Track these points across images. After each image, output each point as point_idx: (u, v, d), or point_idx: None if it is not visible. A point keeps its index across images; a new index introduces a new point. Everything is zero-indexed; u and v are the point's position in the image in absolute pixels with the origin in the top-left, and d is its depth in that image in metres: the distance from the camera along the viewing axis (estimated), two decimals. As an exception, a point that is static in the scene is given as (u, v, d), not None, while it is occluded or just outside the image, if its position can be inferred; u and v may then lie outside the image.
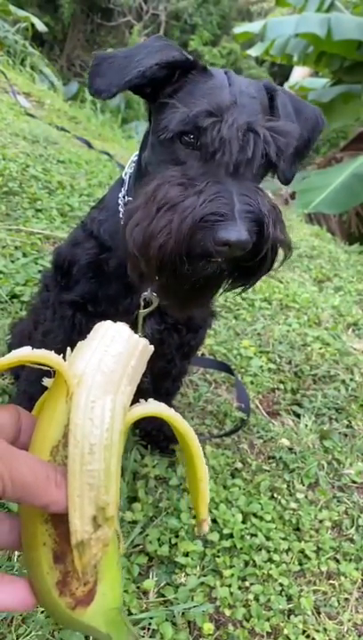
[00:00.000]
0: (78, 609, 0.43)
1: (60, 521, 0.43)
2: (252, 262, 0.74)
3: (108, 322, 0.50)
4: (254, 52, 6.91)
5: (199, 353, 1.68)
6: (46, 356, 0.44)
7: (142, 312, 0.95)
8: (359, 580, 1.12)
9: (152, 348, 0.51)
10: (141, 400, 0.49)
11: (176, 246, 0.70)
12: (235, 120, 0.74)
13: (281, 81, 12.30)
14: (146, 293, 0.94)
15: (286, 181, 0.91)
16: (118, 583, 0.46)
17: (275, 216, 0.74)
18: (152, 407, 0.47)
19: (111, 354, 0.47)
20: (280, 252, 0.78)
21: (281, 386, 1.66)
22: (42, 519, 0.44)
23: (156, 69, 0.79)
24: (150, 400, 0.49)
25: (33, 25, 6.13)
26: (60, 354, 0.47)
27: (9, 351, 1.33)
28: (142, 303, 0.95)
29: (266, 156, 0.76)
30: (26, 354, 0.44)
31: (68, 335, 1.01)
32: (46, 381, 0.48)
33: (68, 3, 13.53)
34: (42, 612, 0.88)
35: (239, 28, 6.92)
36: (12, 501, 0.45)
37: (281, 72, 13.53)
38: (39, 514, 0.44)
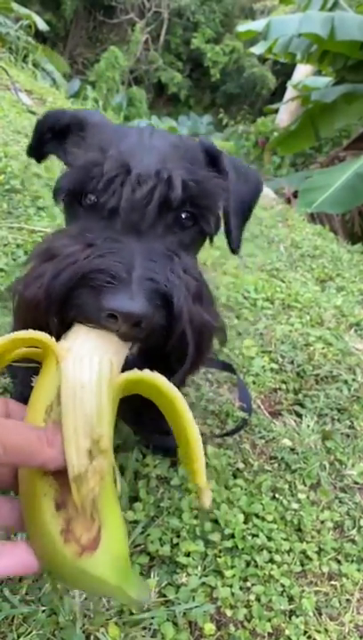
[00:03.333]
0: (85, 555, 0.43)
1: (58, 472, 0.45)
2: (168, 350, 0.58)
3: (80, 324, 0.55)
4: (257, 50, 6.88)
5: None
6: (34, 334, 0.47)
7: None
8: (361, 581, 1.12)
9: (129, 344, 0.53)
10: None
11: (46, 303, 0.55)
12: (137, 166, 0.63)
13: (284, 80, 12.28)
14: None
15: (234, 250, 0.82)
16: (121, 529, 0.47)
17: (195, 291, 0.59)
18: (138, 372, 0.49)
19: (95, 333, 0.51)
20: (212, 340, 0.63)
21: (283, 386, 1.65)
22: (41, 473, 0.45)
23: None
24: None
25: (35, 23, 6.12)
26: None
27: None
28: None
29: (188, 212, 0.66)
30: (16, 334, 0.47)
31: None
32: (35, 379, 0.51)
33: (70, 0, 13.51)
34: (43, 612, 0.88)
35: (242, 27, 6.89)
36: (9, 466, 0.46)
37: (284, 70, 13.50)
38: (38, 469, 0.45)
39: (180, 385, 0.50)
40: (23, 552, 0.44)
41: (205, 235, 0.75)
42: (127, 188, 0.62)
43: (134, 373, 0.49)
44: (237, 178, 0.80)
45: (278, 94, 13.88)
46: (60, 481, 0.45)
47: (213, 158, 0.79)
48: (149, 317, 0.52)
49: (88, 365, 0.47)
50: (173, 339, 0.57)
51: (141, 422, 1.28)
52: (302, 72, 9.56)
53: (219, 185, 0.72)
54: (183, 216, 0.68)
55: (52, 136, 0.85)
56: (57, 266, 0.55)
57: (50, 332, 0.54)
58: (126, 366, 0.51)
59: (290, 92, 9.70)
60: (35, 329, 0.54)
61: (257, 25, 6.40)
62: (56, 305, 0.55)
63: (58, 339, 0.51)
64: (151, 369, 0.51)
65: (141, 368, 0.50)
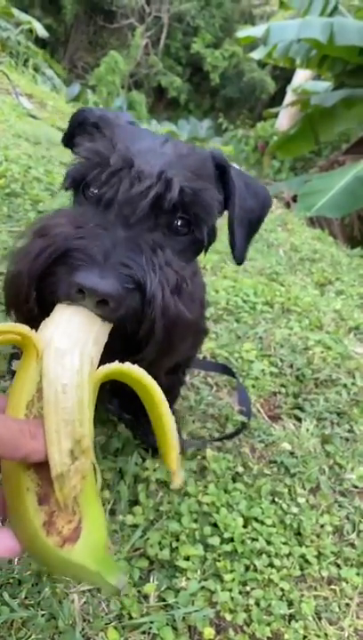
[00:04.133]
0: (66, 546, 0.45)
1: (40, 466, 0.46)
2: (140, 336, 0.61)
3: (65, 303, 0.55)
4: (257, 55, 6.92)
5: (201, 356, 1.68)
6: (15, 326, 0.48)
7: None
8: (360, 586, 1.11)
9: (110, 325, 0.54)
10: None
11: (27, 278, 0.58)
12: (141, 165, 0.66)
13: (284, 84, 12.33)
14: None
15: (239, 261, 0.83)
16: (101, 520, 0.49)
17: (174, 283, 0.62)
18: (116, 364, 0.50)
19: (74, 322, 0.52)
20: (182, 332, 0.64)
21: (282, 389, 1.65)
22: (24, 466, 0.47)
23: None
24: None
25: (35, 29, 6.14)
26: None
27: (12, 354, 1.34)
28: None
29: (183, 218, 0.68)
30: None
31: None
32: (15, 364, 0.52)
33: (70, 4, 13.58)
34: (42, 616, 0.88)
35: (242, 32, 6.93)
36: None
37: (283, 75, 13.57)
38: (20, 463, 0.47)
39: (156, 374, 0.52)
40: (7, 538, 0.46)
41: (198, 244, 0.76)
42: (126, 182, 0.65)
43: (114, 367, 0.50)
44: (245, 191, 0.82)
45: (277, 98, 13.94)
46: (42, 475, 0.46)
47: (221, 170, 0.81)
48: (116, 297, 0.54)
49: (69, 363, 0.47)
50: (144, 324, 0.59)
51: (139, 424, 1.28)
52: (302, 76, 9.60)
53: (216, 197, 0.74)
54: (178, 223, 0.71)
55: (81, 130, 0.88)
56: (43, 243, 0.59)
57: (30, 309, 0.59)
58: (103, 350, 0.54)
59: (290, 97, 9.74)
60: (17, 304, 0.60)
61: (257, 30, 6.44)
62: (35, 280, 0.58)
63: (36, 318, 0.54)
64: (125, 354, 0.56)
65: (115, 352, 0.53)
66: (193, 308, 0.67)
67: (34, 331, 0.50)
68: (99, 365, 0.51)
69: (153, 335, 0.60)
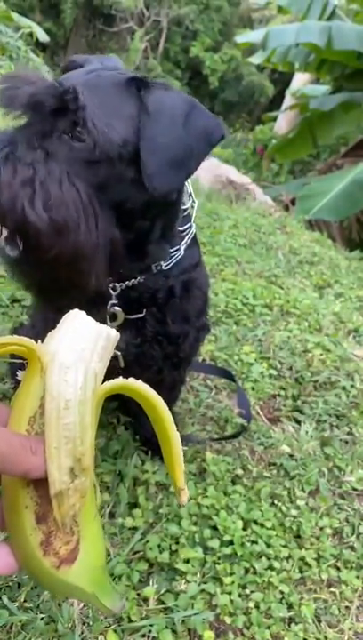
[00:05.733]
0: (63, 568, 0.45)
1: (40, 485, 0.46)
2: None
3: (76, 310, 0.54)
4: (256, 59, 6.96)
5: (200, 359, 1.68)
6: (20, 339, 0.48)
7: (110, 325, 0.93)
8: (360, 588, 1.11)
9: (118, 334, 0.54)
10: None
11: None
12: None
13: (283, 87, 12.37)
14: (110, 309, 0.92)
15: (154, 187, 0.75)
16: (100, 541, 0.48)
17: (29, 180, 0.67)
18: (121, 380, 0.50)
19: (81, 335, 0.51)
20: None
21: (282, 392, 1.65)
22: (23, 483, 0.46)
23: None
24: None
25: (36, 33, 6.15)
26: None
27: (11, 357, 1.34)
28: (108, 318, 0.93)
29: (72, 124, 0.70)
30: (0, 340, 0.48)
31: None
32: (20, 374, 0.52)
33: (70, 8, 13.62)
34: (41, 619, 0.87)
35: (241, 38, 6.97)
36: None
37: (282, 78, 13.60)
38: (20, 480, 0.46)
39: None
40: (4, 554, 0.46)
41: (100, 158, 0.73)
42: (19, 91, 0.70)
43: (118, 382, 0.50)
44: (166, 118, 0.76)
45: (276, 102, 13.98)
46: (41, 493, 0.46)
47: (140, 90, 0.76)
48: None
49: (73, 380, 0.47)
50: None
51: (139, 426, 1.28)
52: (301, 80, 9.64)
53: (108, 106, 0.74)
54: (78, 129, 0.71)
55: None
56: None
57: None
58: None
59: (288, 100, 9.78)
60: None
61: (255, 35, 6.47)
62: None
63: None
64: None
65: None
66: (58, 212, 0.69)
67: (39, 343, 0.50)
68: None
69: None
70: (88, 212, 0.72)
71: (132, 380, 0.50)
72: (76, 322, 0.53)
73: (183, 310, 0.99)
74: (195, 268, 1.01)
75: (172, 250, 0.91)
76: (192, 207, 0.96)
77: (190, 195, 0.96)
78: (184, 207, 0.93)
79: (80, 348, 0.50)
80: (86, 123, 0.70)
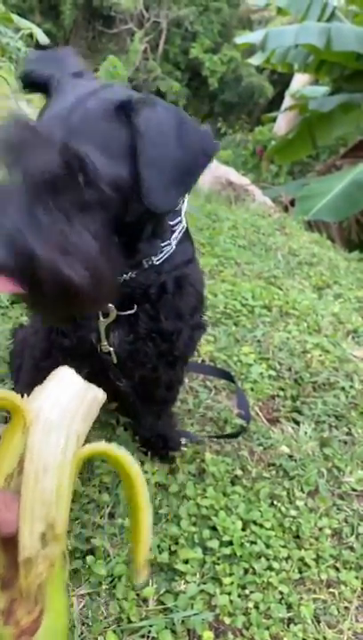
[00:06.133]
0: (23, 639, 0.43)
1: (9, 548, 0.44)
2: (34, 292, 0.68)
3: (65, 368, 0.54)
4: (255, 61, 6.96)
5: (199, 359, 1.68)
6: (5, 394, 0.47)
7: (103, 322, 0.94)
8: (359, 589, 1.12)
9: (104, 395, 0.54)
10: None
11: None
12: (32, 134, 0.69)
13: (282, 88, 12.38)
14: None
15: (156, 207, 0.77)
16: (64, 614, 0.46)
17: (62, 245, 0.67)
18: (103, 445, 0.50)
19: (67, 394, 0.50)
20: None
21: (281, 393, 1.66)
22: None
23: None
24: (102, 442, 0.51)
25: (36, 35, 6.14)
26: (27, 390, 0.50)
27: (11, 358, 1.34)
28: (101, 314, 0.93)
29: (70, 176, 0.69)
30: None
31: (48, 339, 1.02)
32: (2, 428, 0.50)
33: (69, 10, 13.63)
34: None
35: (240, 39, 6.98)
36: None
37: (281, 79, 13.61)
38: None
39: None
40: None
41: (108, 200, 0.74)
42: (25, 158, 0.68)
43: (99, 447, 0.50)
44: (159, 138, 0.76)
45: (275, 103, 13.99)
46: (9, 558, 0.45)
47: (129, 114, 0.75)
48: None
49: (55, 442, 0.46)
50: (28, 279, 0.66)
51: (139, 426, 1.28)
52: (300, 81, 9.64)
53: (104, 162, 0.73)
54: (81, 179, 0.71)
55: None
56: None
57: None
58: None
59: (288, 101, 9.78)
60: None
61: (255, 36, 6.47)
62: None
63: None
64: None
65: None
66: (90, 272, 0.70)
67: (25, 398, 0.49)
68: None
69: (38, 290, 0.67)
70: (111, 254, 0.76)
71: (112, 446, 0.50)
72: (63, 380, 0.52)
73: (176, 307, 0.99)
74: (188, 264, 1.01)
75: (162, 244, 0.91)
76: (182, 201, 0.95)
77: None
78: None
79: (65, 408, 0.49)
80: (93, 174, 0.70)
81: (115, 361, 0.98)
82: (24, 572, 0.43)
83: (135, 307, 0.95)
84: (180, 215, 0.96)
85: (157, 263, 0.91)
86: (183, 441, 1.32)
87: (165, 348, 1.02)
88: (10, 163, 0.69)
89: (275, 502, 1.23)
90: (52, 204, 0.68)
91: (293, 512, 1.22)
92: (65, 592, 0.47)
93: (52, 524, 0.44)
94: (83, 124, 0.73)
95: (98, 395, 0.53)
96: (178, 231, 0.95)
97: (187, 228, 0.99)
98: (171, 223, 0.93)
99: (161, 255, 0.92)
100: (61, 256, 0.67)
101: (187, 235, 1.00)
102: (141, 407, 1.22)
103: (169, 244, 0.93)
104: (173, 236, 0.94)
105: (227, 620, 0.98)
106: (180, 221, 0.96)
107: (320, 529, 1.21)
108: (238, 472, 1.29)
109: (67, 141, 0.69)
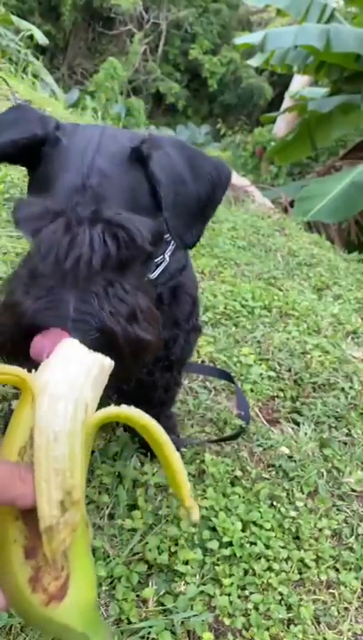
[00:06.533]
0: (52, 605, 0.43)
1: (30, 518, 0.44)
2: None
3: (70, 340, 0.55)
4: (255, 62, 6.98)
5: (199, 360, 1.68)
6: (12, 369, 0.48)
7: None
8: (359, 590, 1.11)
9: (112, 363, 0.54)
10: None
11: (11, 347, 0.68)
12: (64, 221, 0.67)
13: (282, 90, 12.40)
14: None
15: (187, 245, 0.81)
16: (91, 577, 0.47)
17: (128, 313, 0.69)
18: (113, 408, 0.49)
19: (73, 365, 0.50)
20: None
21: (281, 394, 1.66)
22: (12, 517, 0.45)
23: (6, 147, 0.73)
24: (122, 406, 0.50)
25: (35, 36, 6.16)
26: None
27: (15, 393, 1.34)
28: None
29: (118, 249, 0.69)
30: None
31: None
32: (15, 404, 0.50)
33: (69, 11, 13.65)
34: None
35: (240, 39, 6.98)
36: None
37: (281, 81, 13.63)
38: (9, 512, 0.45)
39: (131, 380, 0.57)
40: None
41: (147, 256, 0.76)
42: (57, 247, 0.66)
43: (110, 411, 0.49)
44: (188, 174, 0.79)
45: (275, 104, 14.01)
46: (31, 528, 0.45)
47: (142, 161, 0.77)
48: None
49: (62, 410, 0.46)
50: (113, 352, 0.64)
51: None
52: (300, 82, 9.66)
53: (143, 218, 0.73)
54: (117, 255, 0.70)
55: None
56: (10, 320, 0.67)
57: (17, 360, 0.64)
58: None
59: (287, 102, 9.80)
60: (4, 355, 0.66)
61: (254, 37, 6.48)
62: (9, 350, 0.68)
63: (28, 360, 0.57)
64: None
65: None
66: (149, 328, 0.73)
67: (33, 372, 0.49)
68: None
69: (122, 359, 0.67)
70: (151, 295, 0.80)
71: (124, 408, 0.49)
72: (69, 351, 0.53)
73: (172, 316, 1.00)
74: (182, 271, 1.01)
75: (156, 260, 0.92)
76: None
77: None
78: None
79: (72, 378, 0.49)
80: (137, 238, 0.70)
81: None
82: (47, 539, 0.43)
83: None
84: None
85: (153, 277, 0.92)
86: (185, 445, 1.32)
87: (162, 354, 1.02)
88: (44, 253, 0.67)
89: (275, 503, 1.23)
90: (100, 278, 0.68)
91: (292, 513, 1.22)
92: (90, 555, 0.47)
93: (69, 490, 0.44)
94: (106, 190, 0.71)
95: (105, 362, 0.53)
96: (171, 244, 0.94)
97: None
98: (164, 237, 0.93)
99: (156, 270, 0.92)
100: (129, 322, 0.69)
101: None
102: (141, 407, 1.22)
103: (163, 259, 0.93)
104: (167, 249, 0.94)
105: (227, 621, 0.97)
106: None
107: (320, 530, 1.21)
108: (238, 473, 1.29)
109: (103, 214, 0.68)
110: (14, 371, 0.48)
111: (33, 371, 0.50)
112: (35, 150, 0.77)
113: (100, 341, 0.66)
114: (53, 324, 0.64)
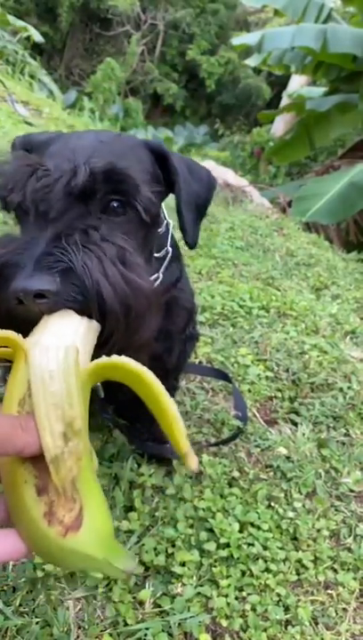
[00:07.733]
0: (70, 535, 0.44)
1: (37, 458, 0.46)
2: (102, 321, 0.58)
3: (61, 311, 0.56)
4: (252, 62, 6.97)
5: (197, 361, 1.68)
6: (2, 333, 0.50)
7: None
8: (357, 590, 1.11)
9: (99, 325, 0.55)
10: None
11: None
12: (48, 163, 0.65)
13: (280, 90, 12.42)
14: None
15: (191, 245, 0.85)
16: (103, 505, 0.48)
17: (115, 254, 0.61)
18: (106, 358, 0.50)
19: (62, 324, 0.54)
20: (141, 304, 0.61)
21: (279, 394, 1.65)
22: (20, 460, 0.46)
23: None
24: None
25: (32, 35, 6.17)
26: None
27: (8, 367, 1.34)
28: None
29: (116, 199, 0.67)
30: None
31: None
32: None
33: (66, 12, 13.66)
34: (37, 623, 0.87)
35: (237, 40, 6.98)
36: None
37: (279, 81, 13.65)
38: (16, 457, 0.46)
39: (134, 356, 0.50)
40: (11, 539, 0.46)
41: (142, 223, 0.74)
42: (31, 181, 0.64)
43: (105, 360, 0.50)
44: (189, 176, 0.85)
45: (273, 104, 14.03)
46: (39, 467, 0.46)
47: (160, 157, 0.82)
48: (48, 289, 0.54)
49: (55, 354, 0.48)
50: (94, 303, 0.56)
51: (135, 430, 1.28)
52: (298, 82, 9.67)
53: (143, 174, 0.75)
54: (114, 205, 0.70)
55: None
56: None
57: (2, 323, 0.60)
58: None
59: (286, 102, 9.80)
60: None
61: (251, 38, 6.48)
62: None
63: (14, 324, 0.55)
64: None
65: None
66: (142, 276, 0.63)
67: (20, 335, 0.50)
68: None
69: (110, 313, 0.57)
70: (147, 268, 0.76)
71: (116, 357, 0.49)
72: (58, 315, 0.55)
73: (166, 330, 0.99)
74: (176, 284, 1.01)
75: (151, 278, 0.90)
76: (167, 229, 0.95)
77: (164, 216, 0.95)
78: (159, 230, 0.91)
79: (61, 333, 0.52)
80: (137, 195, 0.70)
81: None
82: (54, 470, 0.44)
83: None
84: (166, 245, 0.95)
85: None
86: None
87: (157, 365, 1.01)
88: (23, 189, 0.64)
89: (272, 504, 1.23)
90: (79, 223, 0.63)
91: (290, 513, 1.22)
92: (98, 485, 0.49)
93: (70, 422, 0.45)
94: (122, 150, 0.75)
95: (92, 323, 0.55)
96: (166, 260, 0.94)
97: (174, 248, 0.98)
98: (156, 255, 0.92)
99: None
100: (111, 262, 0.60)
101: (174, 256, 0.98)
102: (137, 410, 1.21)
103: (157, 277, 0.92)
104: (162, 266, 0.93)
105: (224, 623, 0.97)
106: (167, 252, 0.95)
107: (318, 530, 1.21)
108: (236, 474, 1.28)
109: (112, 161, 0.69)
110: (3, 333, 0.49)
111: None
112: None
113: (75, 285, 0.56)
114: (19, 260, 0.57)
